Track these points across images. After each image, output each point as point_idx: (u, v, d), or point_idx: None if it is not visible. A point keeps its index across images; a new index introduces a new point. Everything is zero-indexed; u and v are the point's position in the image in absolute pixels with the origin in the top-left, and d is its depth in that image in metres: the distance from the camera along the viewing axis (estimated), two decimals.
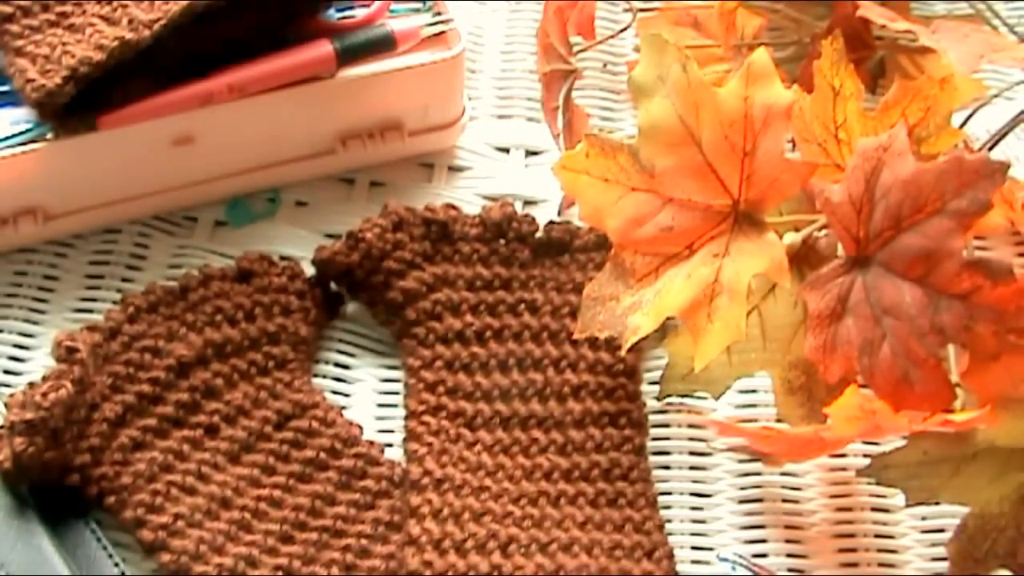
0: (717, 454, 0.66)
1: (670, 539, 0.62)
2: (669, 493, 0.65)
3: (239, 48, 0.71)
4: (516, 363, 0.67)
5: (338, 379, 0.69)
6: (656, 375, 0.68)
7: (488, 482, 0.63)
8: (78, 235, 0.74)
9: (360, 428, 0.66)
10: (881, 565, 0.63)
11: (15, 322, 0.70)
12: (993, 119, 0.70)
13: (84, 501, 0.62)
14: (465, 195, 0.77)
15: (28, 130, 0.70)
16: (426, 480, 0.62)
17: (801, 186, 0.59)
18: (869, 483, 0.63)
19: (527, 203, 0.77)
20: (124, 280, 0.72)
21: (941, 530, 0.63)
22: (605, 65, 0.85)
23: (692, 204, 0.60)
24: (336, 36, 0.73)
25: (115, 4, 0.70)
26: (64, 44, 0.69)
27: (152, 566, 0.61)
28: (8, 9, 0.71)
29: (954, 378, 0.57)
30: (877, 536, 0.64)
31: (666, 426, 0.67)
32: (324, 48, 0.72)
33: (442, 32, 0.76)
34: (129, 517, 0.61)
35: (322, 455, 0.64)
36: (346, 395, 0.69)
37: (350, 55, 0.73)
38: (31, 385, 0.63)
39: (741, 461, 0.66)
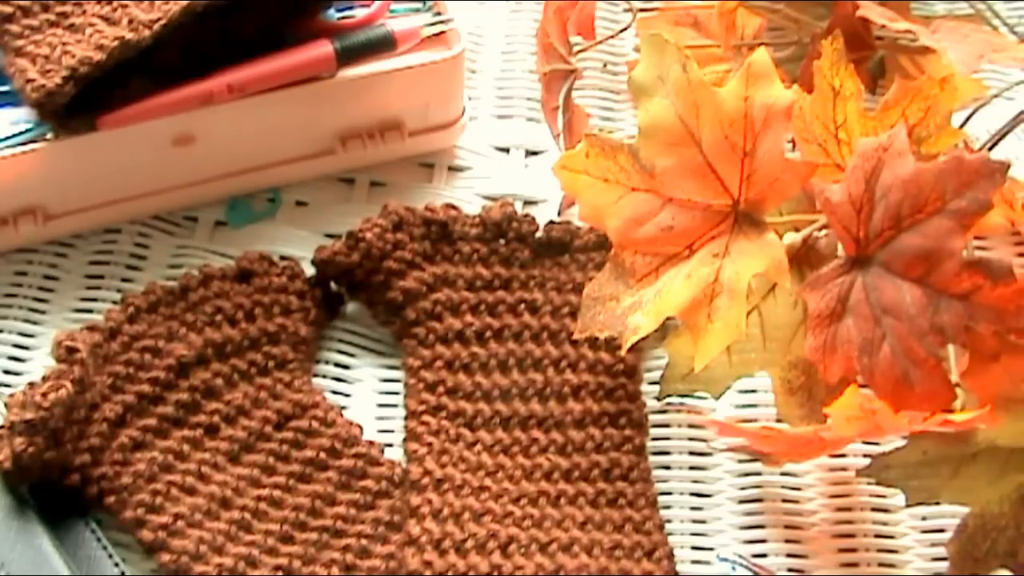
0: (717, 454, 0.66)
1: (670, 539, 0.62)
2: (669, 493, 0.65)
3: (239, 48, 0.71)
4: (516, 363, 0.67)
5: (338, 379, 0.69)
6: (656, 375, 0.68)
7: (488, 482, 0.63)
8: (78, 235, 0.74)
9: (360, 428, 0.66)
10: (881, 565, 0.63)
11: (15, 322, 0.70)
12: (993, 119, 0.70)
13: (84, 501, 0.62)
14: (465, 195, 0.77)
15: (28, 130, 0.70)
16: (426, 480, 0.62)
17: (801, 186, 0.59)
18: (869, 483, 0.63)
19: (527, 203, 0.77)
20: (124, 280, 0.72)
21: (941, 530, 0.63)
22: (605, 65, 0.85)
23: (692, 204, 0.60)
24: (336, 36, 0.73)
25: (115, 4, 0.70)
26: (64, 44, 0.69)
27: (152, 566, 0.61)
28: (8, 9, 0.71)
29: (954, 378, 0.57)
30: (877, 536, 0.64)
31: (666, 426, 0.67)
32: (324, 48, 0.72)
33: (442, 32, 0.76)
34: (129, 517, 0.61)
35: (322, 455, 0.64)
36: (346, 395, 0.69)
37: (350, 55, 0.73)
38: (31, 385, 0.63)
39: (741, 461, 0.66)
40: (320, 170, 0.77)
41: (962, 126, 0.65)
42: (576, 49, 0.78)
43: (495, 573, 0.60)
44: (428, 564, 0.60)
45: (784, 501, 0.65)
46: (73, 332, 0.65)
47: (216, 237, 0.75)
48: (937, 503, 0.58)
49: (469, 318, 0.68)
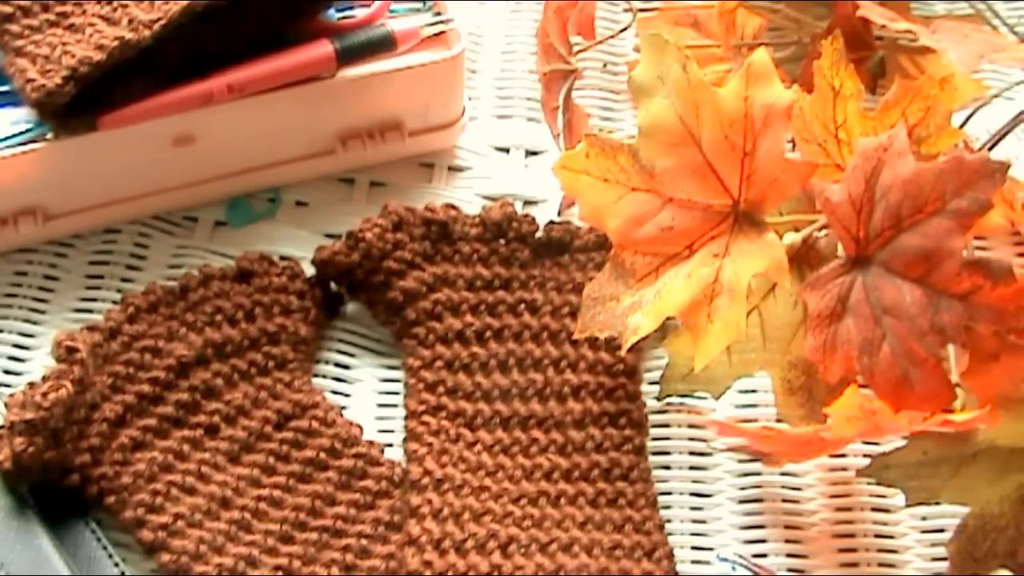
0: (717, 454, 0.66)
1: (670, 539, 0.62)
2: (669, 493, 0.65)
3: (239, 48, 0.71)
4: (516, 363, 0.67)
5: (338, 379, 0.69)
6: (656, 375, 0.68)
7: (488, 482, 0.63)
8: (78, 235, 0.74)
9: (360, 428, 0.66)
10: (881, 565, 0.63)
11: (15, 322, 0.70)
12: (993, 119, 0.70)
13: (84, 501, 0.62)
14: (465, 195, 0.77)
15: (28, 130, 0.70)
16: (426, 480, 0.62)
17: (801, 186, 0.59)
18: (869, 483, 0.63)
19: (527, 203, 0.77)
20: (124, 280, 0.72)
21: (941, 530, 0.63)
22: (605, 65, 0.85)
23: (692, 204, 0.60)
24: (336, 36, 0.73)
25: (115, 4, 0.70)
26: (64, 44, 0.69)
27: (152, 566, 0.61)
28: (8, 9, 0.71)
29: (954, 378, 0.57)
30: (877, 536, 0.64)
31: (666, 426, 0.67)
32: (324, 48, 0.72)
33: (442, 32, 0.76)
34: (129, 517, 0.61)
35: (322, 455, 0.64)
36: (346, 395, 0.69)
37: (350, 55, 0.73)
38: (31, 385, 0.63)
39: (741, 461, 0.66)
40: (320, 170, 0.77)
41: (962, 126, 0.65)
42: (576, 49, 0.78)
43: (495, 573, 0.60)
44: (428, 564, 0.60)
45: (784, 501, 0.65)
46: (73, 332, 0.65)
47: (216, 237, 0.75)
48: (937, 503, 0.58)
49: (469, 318, 0.68)
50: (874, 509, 0.64)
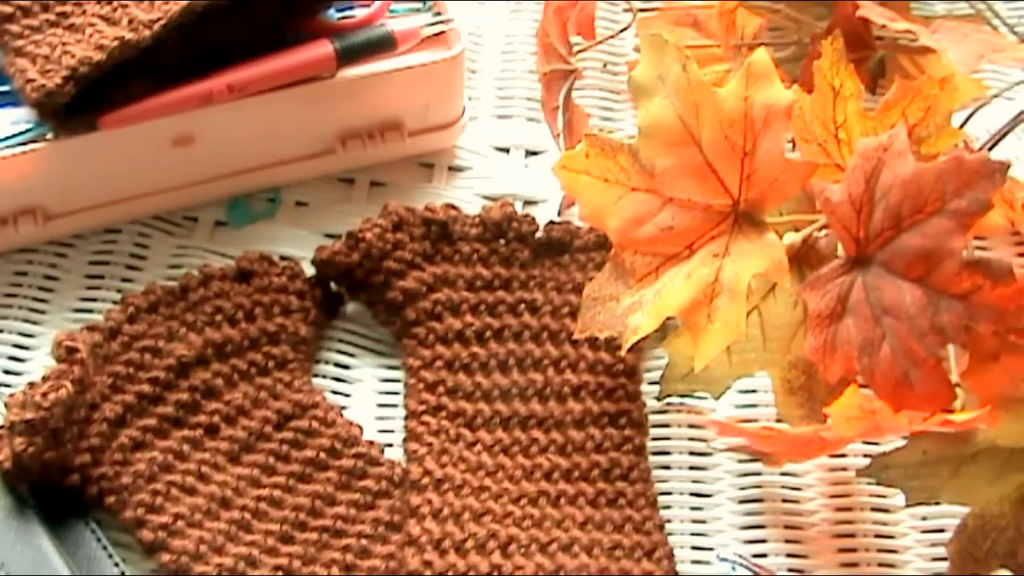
0: (717, 454, 0.66)
1: (670, 539, 0.62)
2: (669, 493, 0.65)
3: (239, 48, 0.71)
4: (516, 363, 0.67)
5: (338, 379, 0.69)
6: (656, 375, 0.68)
7: (488, 482, 0.63)
8: (78, 235, 0.74)
9: (360, 428, 0.66)
10: (881, 565, 0.63)
11: (15, 322, 0.70)
12: (993, 119, 0.70)
13: (84, 501, 0.62)
14: (465, 195, 0.77)
15: (28, 130, 0.70)
16: (426, 480, 0.62)
17: (801, 186, 0.59)
18: (869, 483, 0.63)
19: (527, 203, 0.77)
20: (124, 280, 0.72)
21: (941, 530, 0.63)
22: (605, 65, 0.85)
23: (692, 204, 0.60)
24: (336, 36, 0.73)
25: (115, 4, 0.70)
26: (64, 44, 0.69)
27: (152, 566, 0.61)
28: (8, 9, 0.71)
29: (954, 378, 0.57)
30: (877, 536, 0.64)
31: (666, 426, 0.67)
32: (324, 48, 0.72)
33: (442, 32, 0.76)
34: (129, 517, 0.61)
35: (322, 455, 0.64)
36: (346, 395, 0.69)
37: (350, 55, 0.73)
38: (31, 385, 0.63)
39: (741, 461, 0.66)
40: (320, 170, 0.77)
41: (962, 126, 0.65)
42: (576, 49, 0.78)
43: (495, 573, 0.60)
44: (428, 564, 0.60)
45: (784, 501, 0.65)
46: (73, 332, 0.65)
47: (216, 237, 0.75)
48: (937, 503, 0.58)
49: (469, 318, 0.68)
50: (874, 509, 0.64)
